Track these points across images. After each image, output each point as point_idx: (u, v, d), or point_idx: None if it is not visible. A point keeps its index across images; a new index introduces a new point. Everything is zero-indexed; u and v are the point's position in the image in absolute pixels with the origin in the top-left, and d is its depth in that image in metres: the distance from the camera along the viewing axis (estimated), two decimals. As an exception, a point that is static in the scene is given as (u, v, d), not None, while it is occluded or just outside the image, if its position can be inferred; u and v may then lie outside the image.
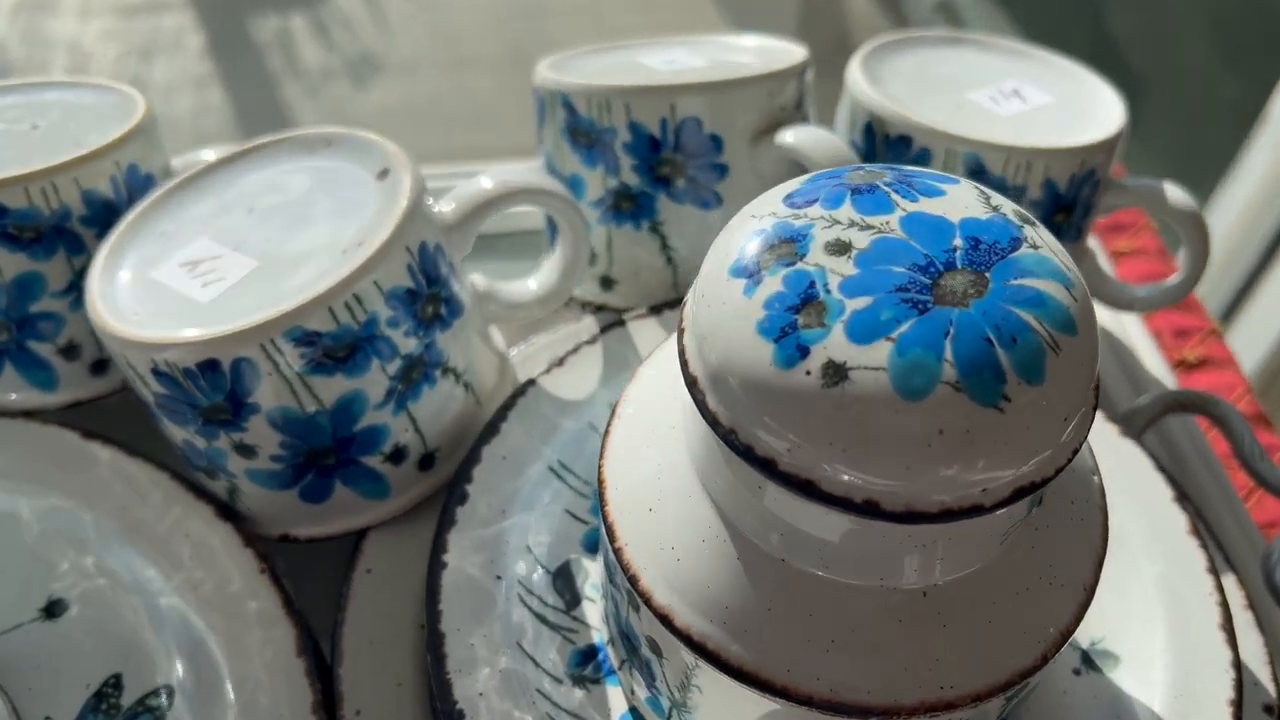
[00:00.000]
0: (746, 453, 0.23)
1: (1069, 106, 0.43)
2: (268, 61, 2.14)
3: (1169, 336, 0.50)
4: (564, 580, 0.33)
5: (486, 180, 0.36)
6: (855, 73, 0.43)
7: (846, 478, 0.22)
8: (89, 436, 0.37)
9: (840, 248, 0.23)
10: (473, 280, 0.38)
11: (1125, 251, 0.54)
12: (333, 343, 0.32)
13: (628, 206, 0.40)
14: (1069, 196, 0.41)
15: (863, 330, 0.22)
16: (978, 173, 0.40)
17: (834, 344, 0.22)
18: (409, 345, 0.34)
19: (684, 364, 0.24)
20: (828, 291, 0.22)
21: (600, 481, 0.28)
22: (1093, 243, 0.49)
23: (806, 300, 0.22)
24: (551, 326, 0.42)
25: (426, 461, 0.36)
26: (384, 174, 0.35)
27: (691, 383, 0.24)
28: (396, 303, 0.33)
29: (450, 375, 0.36)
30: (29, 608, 0.35)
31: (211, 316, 0.32)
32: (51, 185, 0.36)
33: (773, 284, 0.23)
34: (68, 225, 0.37)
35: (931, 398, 0.21)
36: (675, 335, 0.31)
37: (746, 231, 0.24)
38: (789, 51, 0.43)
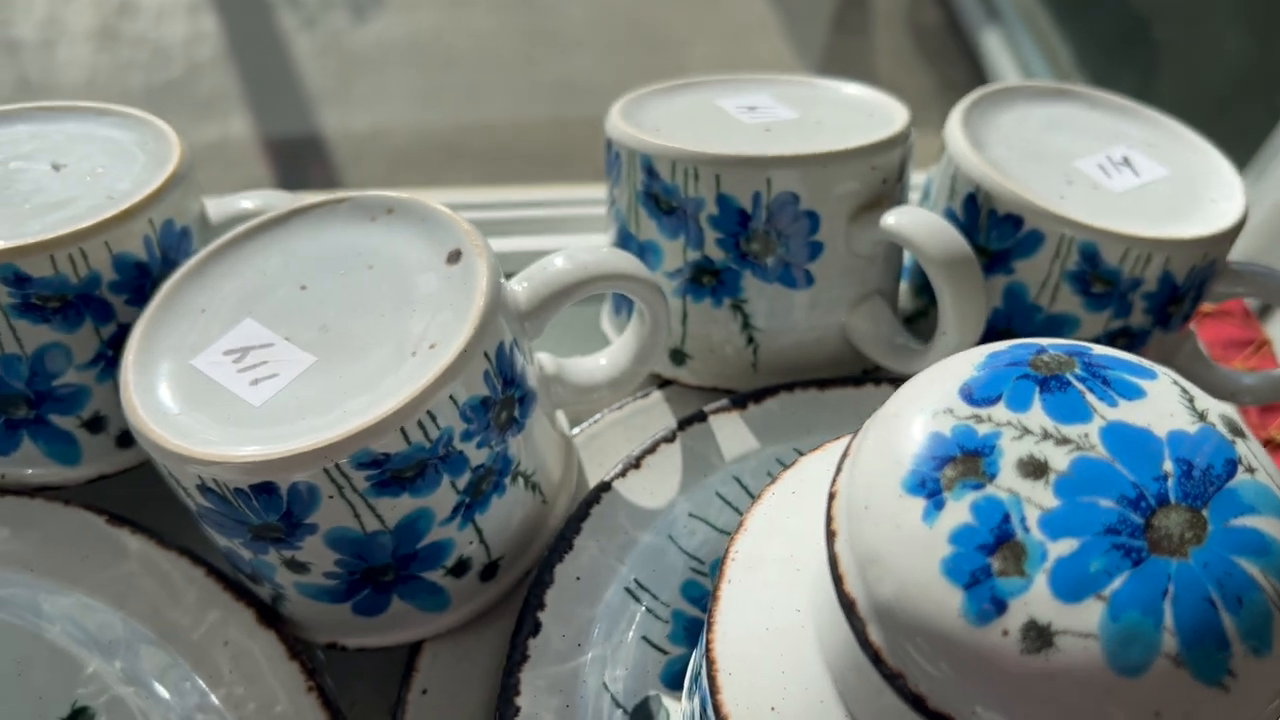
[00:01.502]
0: (917, 703, 0.20)
1: (1184, 181, 0.40)
2: (264, -12, 2.06)
3: (1254, 414, 0.47)
4: (643, 721, 0.30)
5: (563, 261, 0.33)
6: (957, 134, 0.39)
7: (1039, 751, 0.19)
8: (116, 522, 0.34)
9: (1036, 469, 0.20)
10: (540, 362, 0.35)
11: (1209, 312, 0.51)
12: (401, 464, 0.28)
13: (709, 281, 0.37)
14: (1185, 288, 0.38)
15: (1070, 584, 0.19)
16: (1091, 258, 0.36)
17: (1036, 600, 0.19)
18: (481, 457, 0.30)
19: (838, 579, 0.21)
20: (1026, 529, 0.19)
21: (710, 663, 0.25)
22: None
23: (1002, 540, 0.19)
24: (617, 402, 0.38)
25: (489, 572, 0.33)
26: (455, 256, 0.32)
27: (848, 605, 0.21)
28: (471, 414, 0.29)
29: (520, 480, 0.33)
30: (51, 717, 0.32)
31: (266, 425, 0.29)
32: (80, 251, 0.32)
33: (959, 511, 0.20)
34: (96, 293, 0.33)
35: (1149, 674, 0.18)
36: (791, 480, 0.28)
37: (919, 432, 0.21)
38: (888, 110, 0.39)
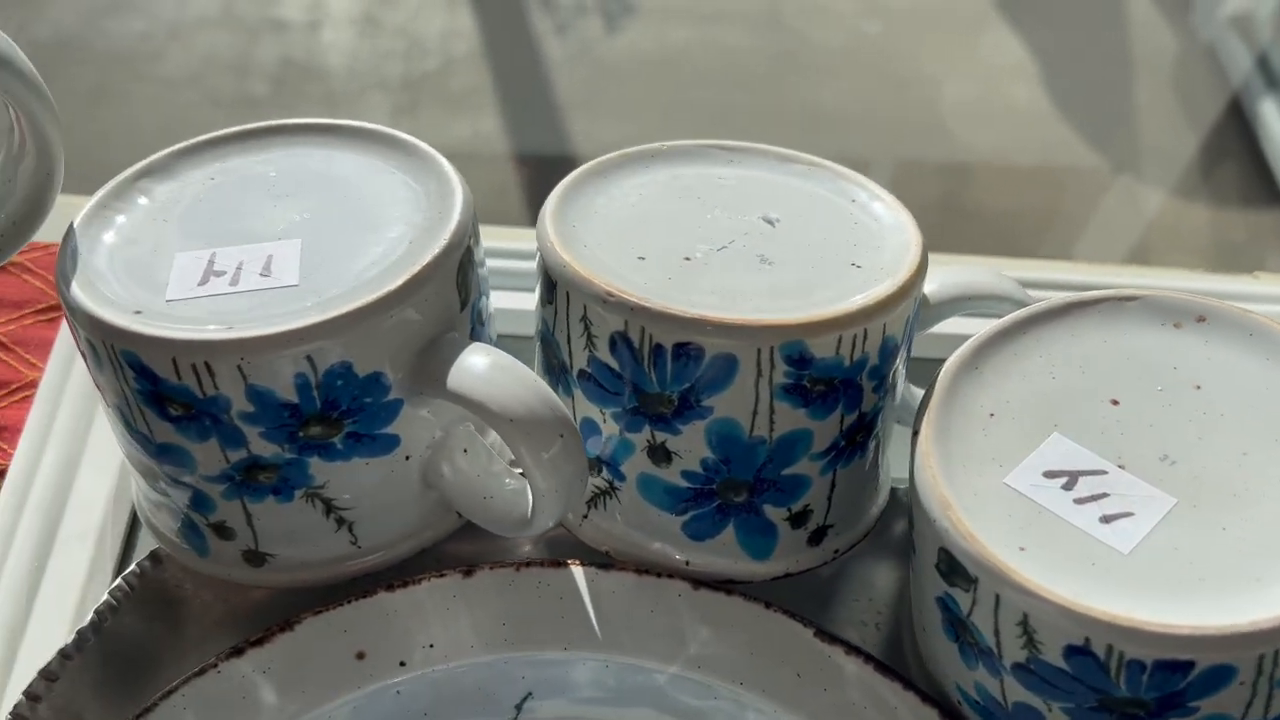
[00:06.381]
0: None
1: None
2: (522, -10, 2.07)
3: None
4: None
5: None
6: None
7: None
8: (826, 638, 0.30)
9: None
10: None
11: None
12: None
13: None
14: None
15: None
16: None
17: None
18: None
19: None
20: None
21: None
22: None
23: None
24: None
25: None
26: None
27: None
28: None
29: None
30: None
31: (1155, 586, 0.24)
32: (864, 332, 0.28)
33: None
34: (857, 379, 0.29)
35: None
36: None
37: None
38: None
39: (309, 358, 0.26)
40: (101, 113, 1.61)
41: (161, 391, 0.27)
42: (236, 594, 0.33)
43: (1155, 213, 1.61)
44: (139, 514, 0.33)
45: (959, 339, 0.35)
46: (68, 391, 0.36)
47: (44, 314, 0.40)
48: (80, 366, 0.37)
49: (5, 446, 0.37)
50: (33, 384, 0.38)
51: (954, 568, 0.26)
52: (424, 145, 0.32)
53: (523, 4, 2.01)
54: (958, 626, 0.27)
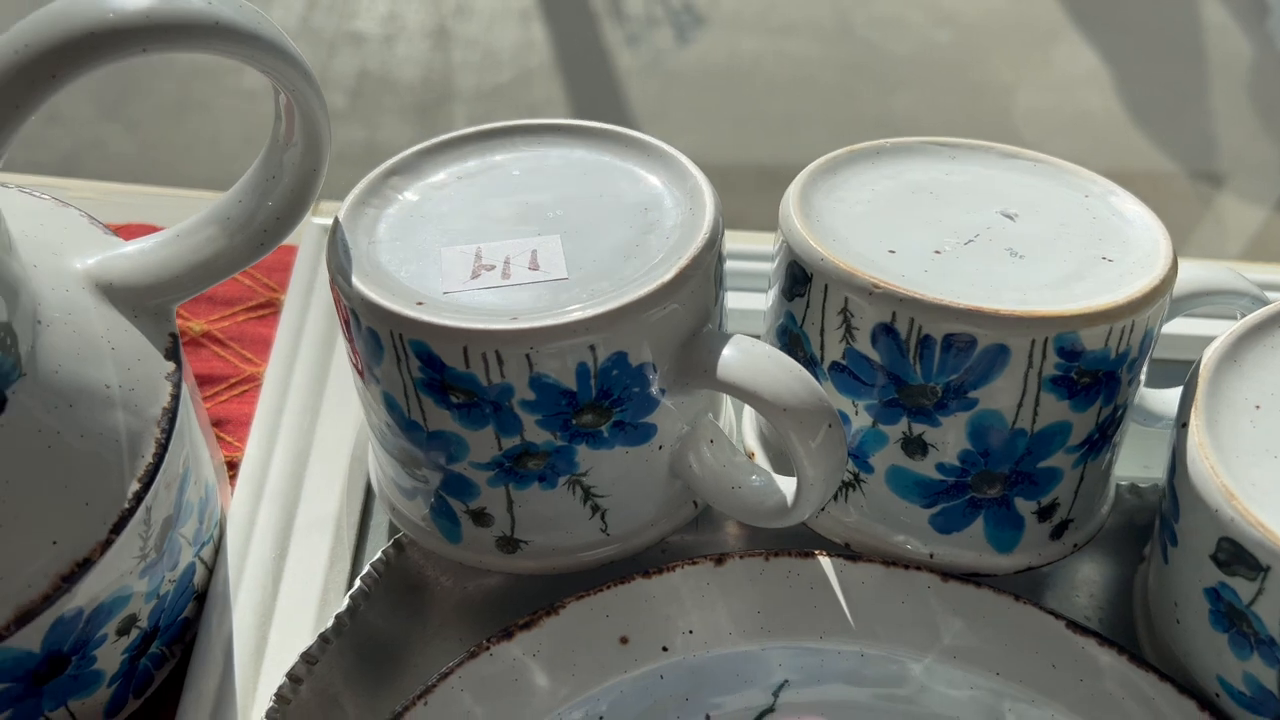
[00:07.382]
0: None
1: None
2: (592, 1, 2.10)
3: None
4: None
5: None
6: None
7: None
8: (1078, 630, 0.30)
9: None
10: None
11: None
12: None
13: None
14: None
15: None
16: None
17: None
18: None
19: None
20: None
21: None
22: None
23: None
24: None
25: None
26: None
27: None
28: None
29: None
30: None
31: None
32: (1130, 325, 0.28)
33: None
34: (1118, 372, 0.29)
35: None
36: None
37: None
38: None
39: (591, 347, 0.27)
40: (185, 123, 1.64)
41: (446, 380, 0.27)
42: (473, 580, 0.34)
43: (1232, 219, 1.59)
44: (382, 501, 0.33)
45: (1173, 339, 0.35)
46: (293, 385, 0.37)
47: (254, 311, 0.41)
48: (303, 360, 0.38)
49: (229, 439, 0.38)
50: (250, 379, 0.39)
51: (1239, 557, 0.26)
52: (662, 144, 0.32)
53: (594, 16, 2.03)
54: (1233, 617, 0.27)
